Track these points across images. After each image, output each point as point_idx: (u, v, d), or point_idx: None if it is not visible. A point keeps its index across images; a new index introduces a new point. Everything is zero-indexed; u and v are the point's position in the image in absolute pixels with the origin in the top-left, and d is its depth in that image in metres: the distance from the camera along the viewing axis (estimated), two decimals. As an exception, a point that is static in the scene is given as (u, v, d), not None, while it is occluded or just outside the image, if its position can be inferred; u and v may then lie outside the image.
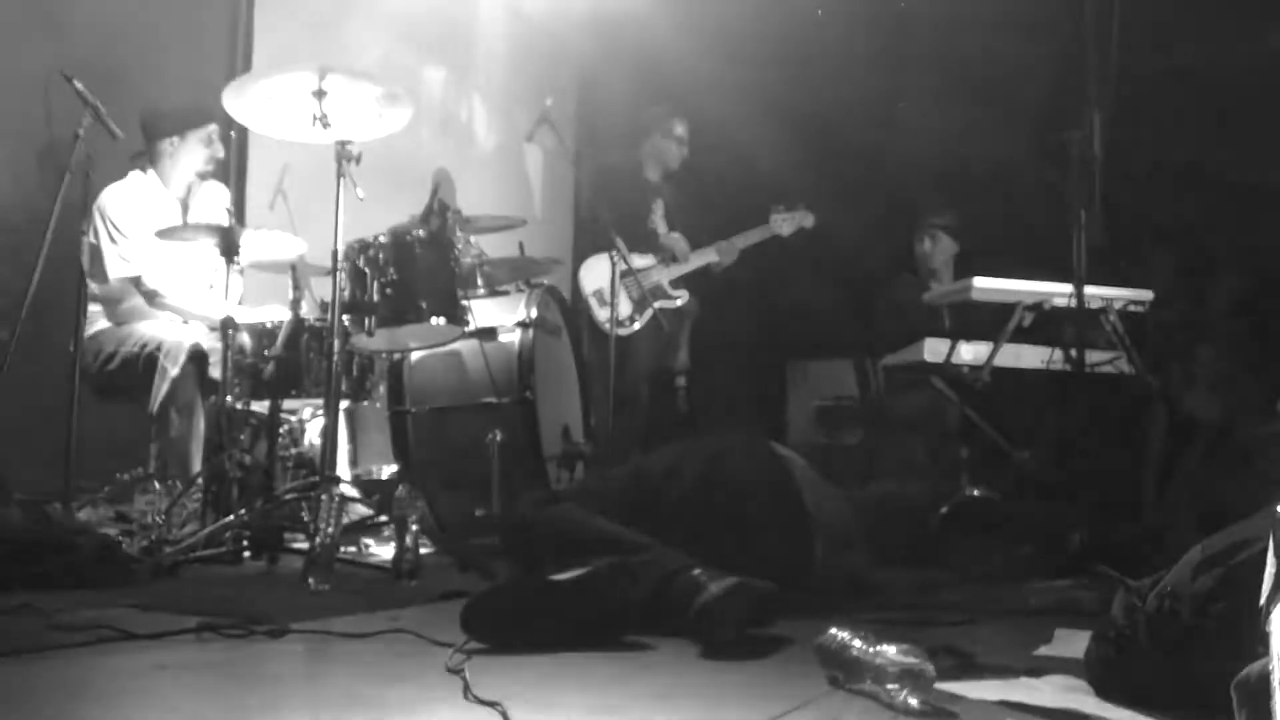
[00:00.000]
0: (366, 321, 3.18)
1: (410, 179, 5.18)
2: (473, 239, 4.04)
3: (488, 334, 3.66)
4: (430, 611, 2.25)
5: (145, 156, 3.74)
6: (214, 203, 3.87)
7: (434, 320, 3.24)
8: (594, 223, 4.86)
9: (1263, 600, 1.30)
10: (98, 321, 3.59)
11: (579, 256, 5.08)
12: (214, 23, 4.41)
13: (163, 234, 3.31)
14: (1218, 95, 6.40)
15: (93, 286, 3.47)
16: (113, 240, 3.58)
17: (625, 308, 4.74)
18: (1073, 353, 2.92)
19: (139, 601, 2.27)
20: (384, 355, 3.62)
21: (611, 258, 4.20)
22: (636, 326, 4.84)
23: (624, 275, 4.41)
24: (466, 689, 1.49)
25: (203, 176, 3.79)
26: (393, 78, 3.18)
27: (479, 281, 3.91)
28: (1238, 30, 6.12)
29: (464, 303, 3.34)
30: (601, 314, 4.69)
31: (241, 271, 3.74)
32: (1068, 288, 2.95)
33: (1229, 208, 6.54)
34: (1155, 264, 6.11)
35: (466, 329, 3.41)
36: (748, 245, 5.30)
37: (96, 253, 3.52)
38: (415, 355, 3.70)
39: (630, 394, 4.81)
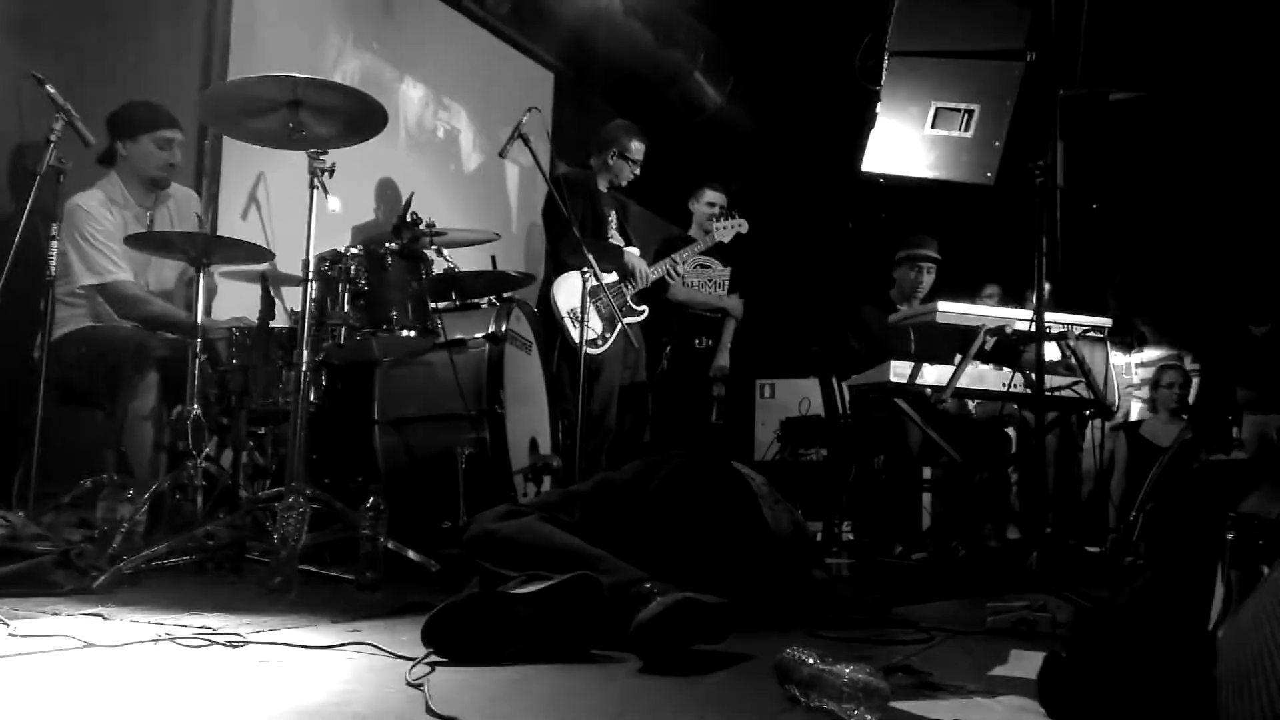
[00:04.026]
0: (336, 332, 3.19)
1: (385, 192, 5.21)
2: (445, 252, 4.07)
3: (457, 346, 3.68)
4: (392, 623, 2.25)
5: (110, 157, 3.73)
6: (184, 209, 3.87)
7: (404, 332, 3.25)
8: (561, 239, 4.89)
9: (1211, 624, 1.33)
10: (65, 326, 3.57)
11: (554, 271, 5.11)
12: (190, 31, 4.40)
13: (131, 241, 3.29)
14: (1175, 128, 6.55)
15: (60, 290, 3.45)
16: (82, 249, 3.55)
17: (597, 325, 4.77)
18: (1033, 376, 2.96)
19: (99, 610, 2.25)
20: (353, 365, 3.62)
21: (583, 274, 4.23)
22: (609, 344, 4.88)
23: (594, 292, 4.43)
24: (426, 703, 1.50)
25: (156, 182, 3.74)
26: (368, 91, 3.17)
27: (451, 294, 3.94)
28: (1197, 64, 6.26)
29: (434, 315, 3.35)
30: (577, 334, 4.70)
31: (212, 279, 3.75)
32: (1028, 313, 3.00)
33: (1186, 238, 6.69)
34: (1113, 292, 6.25)
35: (436, 341, 3.42)
36: (694, 255, 5.41)
37: (65, 259, 3.50)
38: (384, 366, 3.71)
39: (599, 411, 4.85)
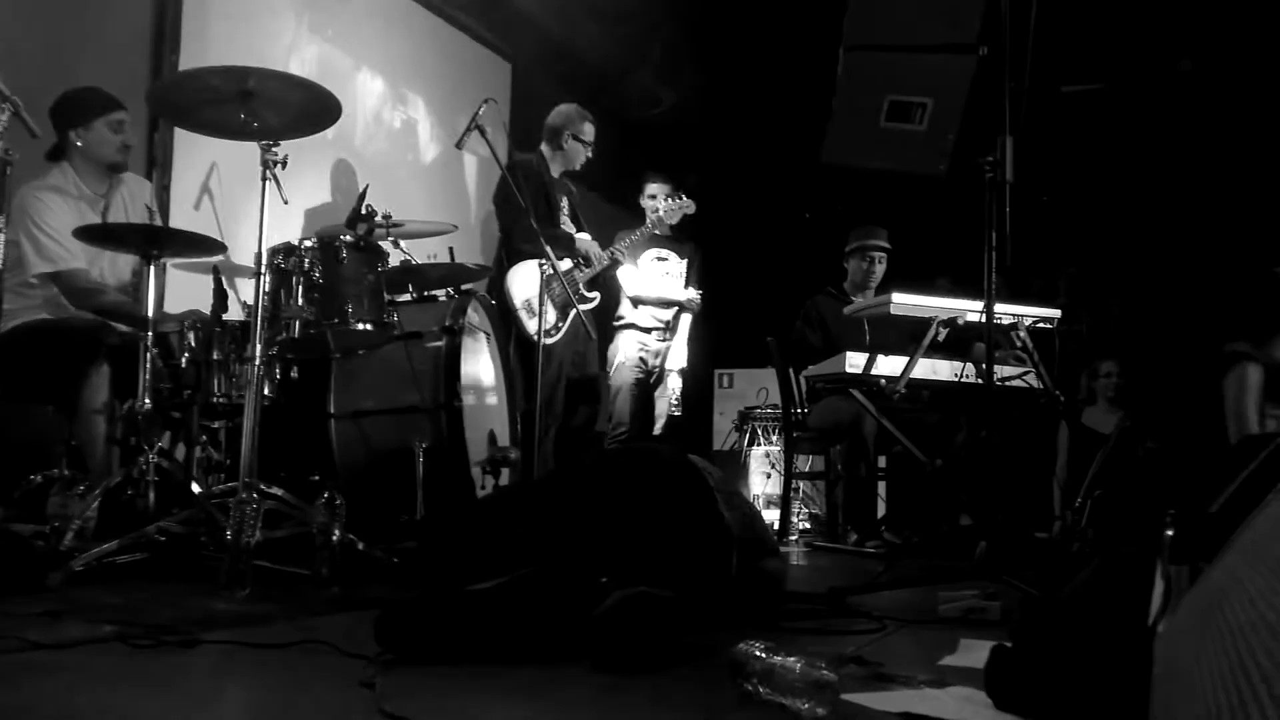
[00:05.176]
0: (290, 325, 3.16)
1: (341, 181, 5.17)
2: (403, 244, 4.04)
3: (414, 339, 3.66)
4: (348, 621, 2.24)
5: (59, 150, 3.67)
6: (136, 199, 3.81)
7: (359, 325, 3.23)
8: (515, 225, 4.88)
9: (1151, 619, 1.36)
10: (14, 318, 3.51)
11: (506, 259, 5.10)
12: (140, 19, 4.33)
13: (81, 233, 3.25)
14: (1126, 119, 6.65)
15: (11, 281, 3.40)
16: (34, 237, 3.50)
17: (551, 314, 4.77)
18: (984, 367, 3.00)
19: (49, 608, 2.23)
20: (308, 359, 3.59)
21: (540, 263, 4.22)
22: (561, 333, 4.89)
23: (549, 280, 4.44)
24: (378, 702, 1.50)
25: (114, 167, 3.70)
26: (324, 80, 3.14)
27: (407, 286, 3.92)
28: (1143, 58, 6.36)
29: (390, 308, 3.33)
30: (531, 325, 4.70)
31: (164, 270, 3.70)
32: (980, 304, 3.05)
33: (1128, 230, 6.80)
34: (1060, 284, 6.34)
35: (392, 334, 3.40)
36: (643, 239, 5.43)
37: (16, 250, 3.45)
38: (340, 359, 3.68)
39: (546, 399, 4.87)
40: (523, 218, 4.40)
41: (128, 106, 3.69)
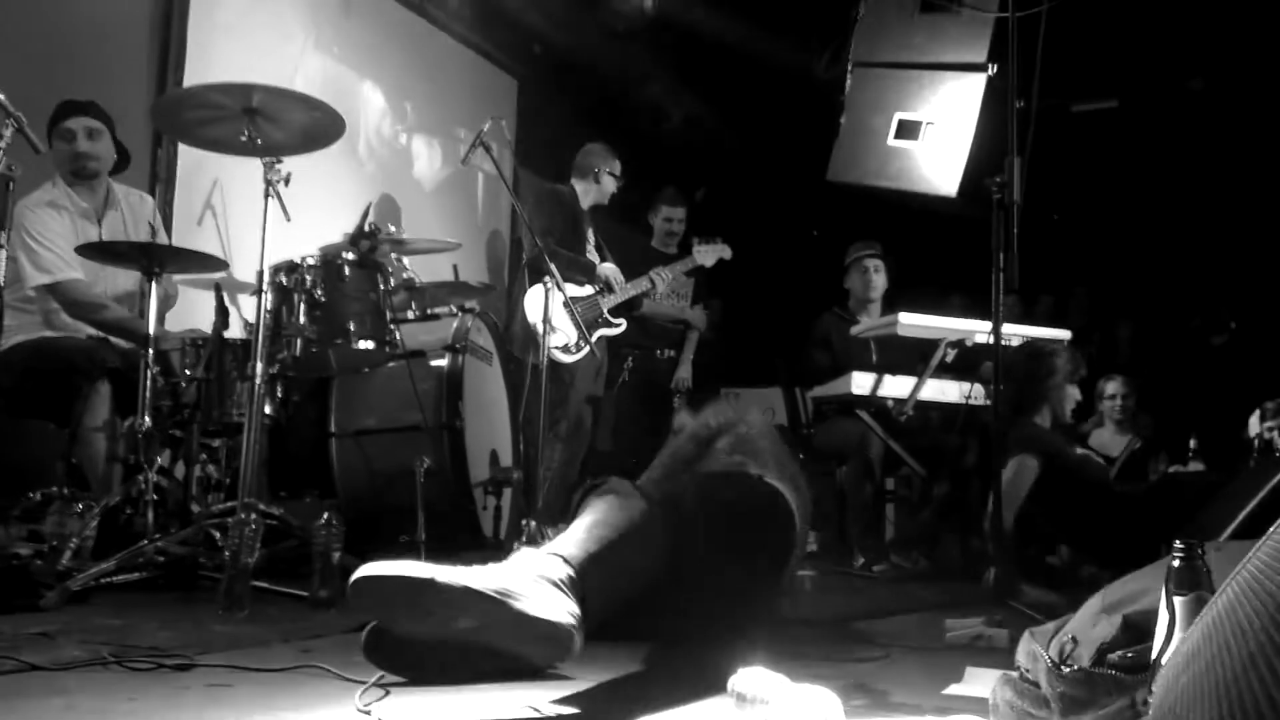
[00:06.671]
0: (292, 343, 3.14)
1: (347, 199, 5.16)
2: (405, 261, 4.03)
3: (417, 358, 3.64)
4: (345, 643, 2.21)
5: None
6: (137, 215, 3.81)
7: (361, 344, 3.21)
8: (534, 248, 4.90)
9: (1154, 654, 1.33)
10: (15, 335, 3.50)
11: (515, 280, 5.12)
12: (144, 36, 4.33)
13: (83, 251, 3.24)
14: (1137, 138, 6.64)
15: (10, 297, 3.39)
16: (29, 250, 3.49)
17: (572, 334, 4.77)
18: (992, 388, 2.98)
19: (46, 629, 2.22)
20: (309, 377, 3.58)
21: (545, 284, 4.21)
22: (583, 353, 4.89)
23: (569, 303, 4.46)
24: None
25: (78, 174, 3.65)
26: (330, 96, 3.13)
27: (410, 305, 3.90)
28: (1154, 77, 6.35)
29: (392, 327, 3.31)
30: (551, 341, 4.70)
31: (174, 286, 3.70)
32: (988, 325, 3.02)
33: (1140, 250, 6.77)
34: (1072, 305, 6.32)
35: (394, 353, 3.38)
36: (675, 275, 5.46)
37: (15, 265, 3.44)
38: (341, 378, 3.66)
39: (574, 420, 4.88)
40: (542, 239, 4.43)
41: (90, 109, 3.65)
